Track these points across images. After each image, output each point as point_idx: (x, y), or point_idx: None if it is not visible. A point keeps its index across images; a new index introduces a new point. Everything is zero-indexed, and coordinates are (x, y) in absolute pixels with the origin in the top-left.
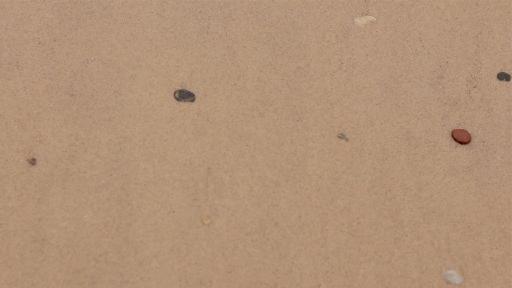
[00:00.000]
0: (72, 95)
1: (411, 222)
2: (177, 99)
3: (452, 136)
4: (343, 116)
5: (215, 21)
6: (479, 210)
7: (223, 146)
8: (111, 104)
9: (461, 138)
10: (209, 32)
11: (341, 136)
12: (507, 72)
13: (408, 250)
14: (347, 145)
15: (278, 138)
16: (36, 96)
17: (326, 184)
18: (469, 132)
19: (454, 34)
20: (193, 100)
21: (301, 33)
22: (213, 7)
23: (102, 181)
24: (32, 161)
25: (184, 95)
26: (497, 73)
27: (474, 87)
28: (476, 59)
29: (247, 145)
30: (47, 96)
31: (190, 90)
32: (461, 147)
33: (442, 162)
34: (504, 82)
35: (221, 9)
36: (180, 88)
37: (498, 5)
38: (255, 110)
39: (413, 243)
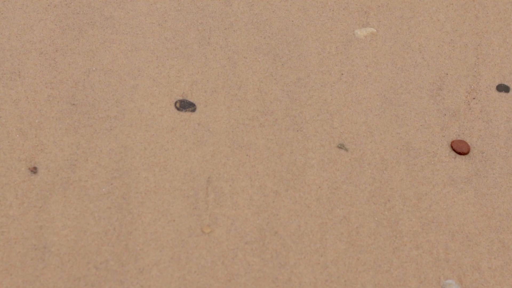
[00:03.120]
0: (73, 104)
1: (410, 231)
2: (178, 109)
3: (451, 147)
4: (343, 127)
5: (216, 32)
6: (477, 221)
7: (224, 156)
8: (112, 114)
9: (460, 149)
10: (210, 43)
11: (341, 146)
12: (506, 84)
13: (407, 259)
14: (347, 155)
15: (278, 148)
16: (37, 106)
17: (325, 194)
18: (468, 143)
19: (453, 46)
20: (194, 110)
21: (302, 44)
22: (214, 18)
23: (103, 189)
24: (34, 170)
25: (185, 105)
26: (497, 84)
27: (474, 98)
28: (475, 71)
29: (247, 155)
30: (48, 106)
31: (191, 100)
32: (460, 158)
33: (441, 172)
34: (503, 94)
35: (222, 20)
36: (181, 98)
37: (497, 18)
38: (255, 120)
39: (412, 252)
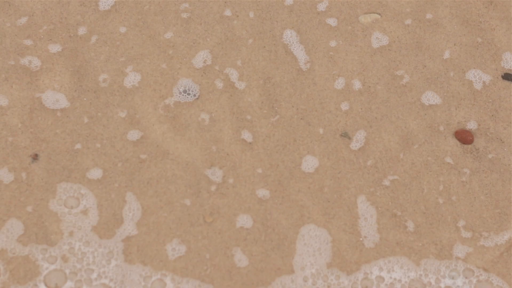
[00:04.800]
0: (75, 91)
1: (413, 222)
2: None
3: (456, 136)
4: (346, 115)
5: (219, 18)
6: (481, 211)
7: (227, 145)
8: (114, 102)
9: (464, 138)
10: (214, 29)
11: (344, 135)
12: None
13: (411, 250)
14: (350, 143)
15: (282, 136)
16: (39, 92)
17: (328, 183)
18: (473, 132)
19: (459, 34)
20: (197, 98)
21: (306, 30)
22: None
23: (105, 178)
24: (35, 157)
25: (188, 93)
26: (503, 73)
27: (479, 87)
28: (481, 59)
29: (250, 144)
30: (50, 94)
31: (194, 88)
32: (464, 148)
33: (445, 162)
34: (509, 83)
35: (226, 7)
36: (184, 85)
37: (504, 6)
38: (258, 109)
39: (415, 243)
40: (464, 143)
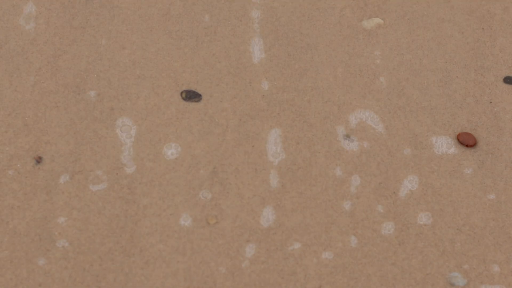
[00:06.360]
0: (79, 94)
1: (416, 224)
2: (184, 99)
3: (458, 139)
4: (349, 118)
5: (222, 21)
6: (483, 213)
7: (229, 147)
8: (118, 104)
9: (466, 141)
10: (217, 33)
11: (347, 137)
12: None
13: (413, 252)
14: (353, 146)
15: (284, 139)
16: (43, 95)
17: (331, 185)
18: (475, 135)
19: (462, 37)
20: (199, 101)
21: (309, 34)
22: (220, 8)
23: (108, 180)
24: (39, 159)
25: (191, 96)
26: (504, 76)
27: (481, 90)
28: (483, 63)
29: (252, 146)
30: (54, 95)
31: (197, 91)
32: (467, 150)
33: (447, 165)
34: (510, 86)
35: (228, 9)
36: (187, 88)
37: (506, 9)
38: (261, 111)
39: (417, 245)
40: (466, 146)
